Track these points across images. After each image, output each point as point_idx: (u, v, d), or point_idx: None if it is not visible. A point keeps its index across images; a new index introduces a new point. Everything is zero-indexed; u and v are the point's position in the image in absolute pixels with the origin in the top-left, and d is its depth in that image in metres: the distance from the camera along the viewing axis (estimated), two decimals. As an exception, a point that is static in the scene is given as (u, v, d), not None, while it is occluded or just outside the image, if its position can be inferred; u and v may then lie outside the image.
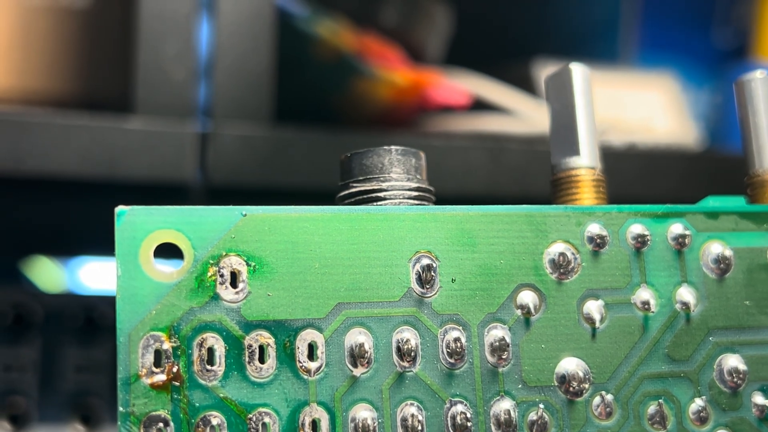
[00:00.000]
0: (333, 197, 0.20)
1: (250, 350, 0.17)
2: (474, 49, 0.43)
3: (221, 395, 0.16)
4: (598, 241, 0.19)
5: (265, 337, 0.17)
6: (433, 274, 0.18)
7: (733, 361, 0.19)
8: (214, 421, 0.16)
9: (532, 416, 0.18)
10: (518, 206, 0.19)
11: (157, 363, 0.16)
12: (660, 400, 0.18)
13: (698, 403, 0.19)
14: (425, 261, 0.18)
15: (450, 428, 0.17)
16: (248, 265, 0.17)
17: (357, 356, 0.17)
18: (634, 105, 0.42)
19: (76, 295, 0.35)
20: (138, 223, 0.16)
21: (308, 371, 0.17)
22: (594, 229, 0.19)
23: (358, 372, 0.17)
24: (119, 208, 0.16)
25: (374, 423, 0.17)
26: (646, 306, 0.19)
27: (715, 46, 0.56)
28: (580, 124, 0.20)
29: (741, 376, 0.19)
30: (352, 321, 0.17)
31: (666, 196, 0.30)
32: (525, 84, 0.40)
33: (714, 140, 0.50)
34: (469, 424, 0.17)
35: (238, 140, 0.30)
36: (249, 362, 0.17)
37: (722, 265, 0.19)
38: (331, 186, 0.21)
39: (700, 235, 0.19)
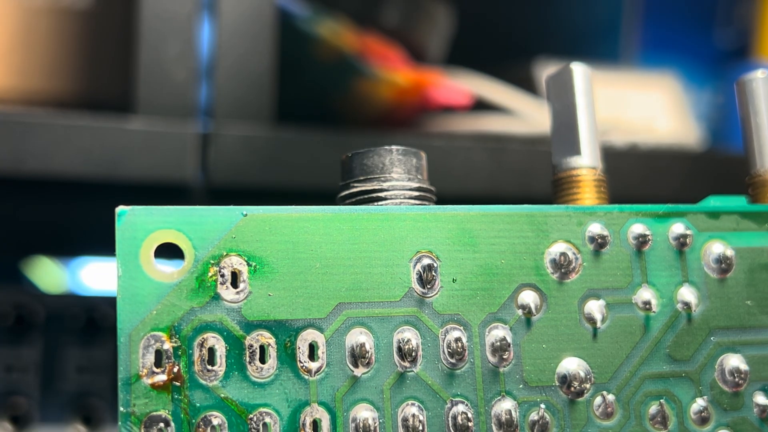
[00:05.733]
0: (334, 197, 0.20)
1: (250, 350, 0.17)
2: (475, 50, 0.43)
3: (222, 395, 0.16)
4: (600, 240, 0.19)
5: (266, 337, 0.17)
6: (434, 274, 0.18)
7: (734, 361, 0.19)
8: (215, 422, 0.16)
9: (534, 416, 0.18)
10: (519, 206, 0.19)
11: (158, 363, 0.16)
12: (661, 400, 0.18)
13: (699, 403, 0.18)
14: (426, 261, 0.18)
15: (451, 428, 0.17)
16: (249, 265, 0.17)
17: (358, 356, 0.17)
18: (635, 105, 0.41)
19: (77, 295, 0.35)
20: (138, 223, 0.16)
21: (309, 371, 0.17)
22: (595, 228, 0.19)
23: (358, 372, 0.17)
24: (120, 208, 0.16)
25: (375, 423, 0.17)
26: (648, 306, 0.19)
27: (717, 47, 0.56)
28: (581, 124, 0.20)
29: (742, 376, 0.19)
30: (353, 321, 0.17)
31: (667, 195, 0.30)
32: (526, 84, 0.40)
33: (715, 140, 0.50)
34: (470, 424, 0.17)
35: (239, 140, 0.30)
36: (250, 362, 0.17)
37: (723, 265, 0.19)
38: (332, 186, 0.21)
39: (702, 235, 0.19)
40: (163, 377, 0.16)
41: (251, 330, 0.17)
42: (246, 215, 0.17)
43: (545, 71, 0.40)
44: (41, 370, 0.33)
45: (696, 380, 0.19)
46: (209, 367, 0.16)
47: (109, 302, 0.34)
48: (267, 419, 0.17)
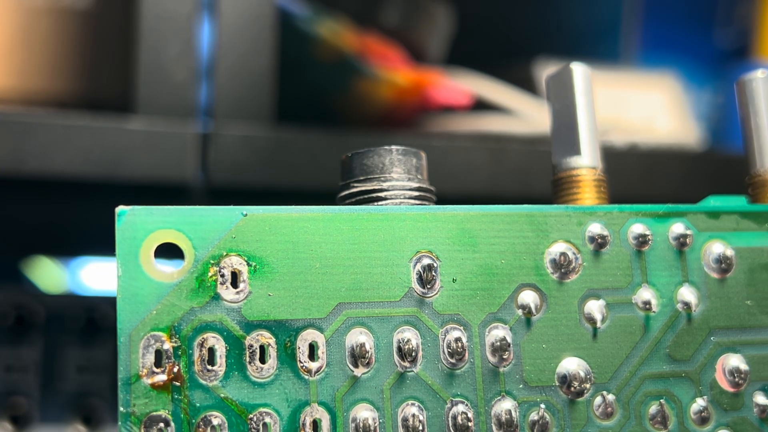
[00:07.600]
0: (334, 197, 0.20)
1: (250, 350, 0.17)
2: (475, 49, 0.43)
3: (222, 395, 0.16)
4: (600, 240, 0.19)
5: (266, 337, 0.17)
6: (434, 274, 0.18)
7: (734, 361, 0.19)
8: (215, 422, 0.16)
9: (534, 416, 0.18)
10: (519, 206, 0.19)
11: (158, 363, 0.16)
12: (661, 400, 0.18)
13: (699, 403, 0.18)
14: (426, 261, 0.18)
15: (451, 428, 0.17)
16: (249, 265, 0.17)
17: (358, 356, 0.17)
18: (635, 105, 0.42)
19: (77, 295, 0.35)
20: (138, 223, 0.16)
21: (309, 371, 0.17)
22: (595, 228, 0.19)
23: (358, 372, 0.17)
24: (120, 208, 0.16)
25: (375, 423, 0.17)
26: (648, 306, 0.19)
27: (717, 46, 0.56)
28: (581, 124, 0.20)
29: (742, 376, 0.19)
30: (353, 321, 0.17)
31: (667, 195, 0.30)
32: (526, 84, 0.40)
33: (715, 140, 0.50)
34: (470, 424, 0.17)
35: (239, 140, 0.30)
36: (250, 362, 0.17)
37: (723, 265, 0.19)
38: (332, 186, 0.21)
39: (702, 235, 0.19)
40: (163, 377, 0.16)
41: (251, 330, 0.17)
42: (246, 215, 0.17)
43: (545, 71, 0.40)
44: (41, 370, 0.33)
45: (696, 380, 0.19)
46: (209, 367, 0.16)
47: (109, 302, 0.34)
48: (267, 419, 0.17)
